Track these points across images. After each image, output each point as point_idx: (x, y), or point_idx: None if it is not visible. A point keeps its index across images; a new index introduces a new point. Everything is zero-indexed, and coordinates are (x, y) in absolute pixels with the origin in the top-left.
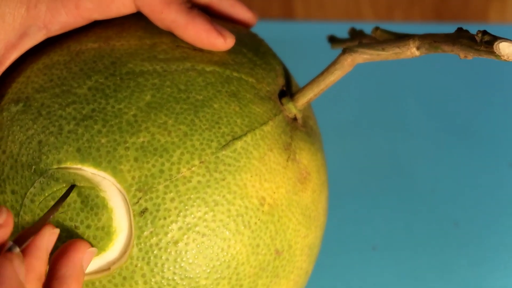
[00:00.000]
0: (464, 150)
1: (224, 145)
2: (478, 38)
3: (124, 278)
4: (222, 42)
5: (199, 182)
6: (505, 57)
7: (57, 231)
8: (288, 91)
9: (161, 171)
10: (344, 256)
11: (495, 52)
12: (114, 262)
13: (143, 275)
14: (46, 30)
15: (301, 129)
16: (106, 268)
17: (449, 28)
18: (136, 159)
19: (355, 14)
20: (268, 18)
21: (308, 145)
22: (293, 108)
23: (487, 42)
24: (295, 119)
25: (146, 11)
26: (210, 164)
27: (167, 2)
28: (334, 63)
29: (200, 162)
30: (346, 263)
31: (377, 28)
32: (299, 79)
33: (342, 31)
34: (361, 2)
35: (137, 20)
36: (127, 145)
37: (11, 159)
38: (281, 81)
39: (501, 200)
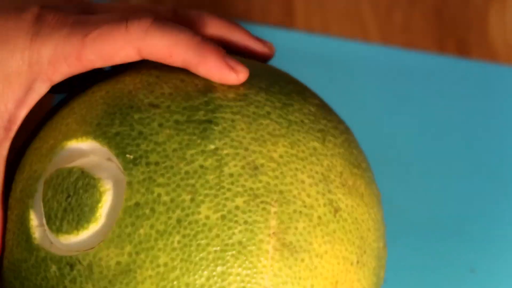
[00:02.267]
0: (479, 190)
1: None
2: None
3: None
4: (234, 77)
5: None
6: None
7: None
8: None
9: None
10: None
11: None
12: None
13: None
14: (50, 82)
15: None
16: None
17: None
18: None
19: (356, 19)
20: (267, 24)
21: None
22: None
23: None
24: None
25: (155, 59)
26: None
27: (173, 42)
28: None
29: None
30: None
31: None
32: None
33: (342, 46)
34: (363, 11)
35: None
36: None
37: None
38: None
39: None
